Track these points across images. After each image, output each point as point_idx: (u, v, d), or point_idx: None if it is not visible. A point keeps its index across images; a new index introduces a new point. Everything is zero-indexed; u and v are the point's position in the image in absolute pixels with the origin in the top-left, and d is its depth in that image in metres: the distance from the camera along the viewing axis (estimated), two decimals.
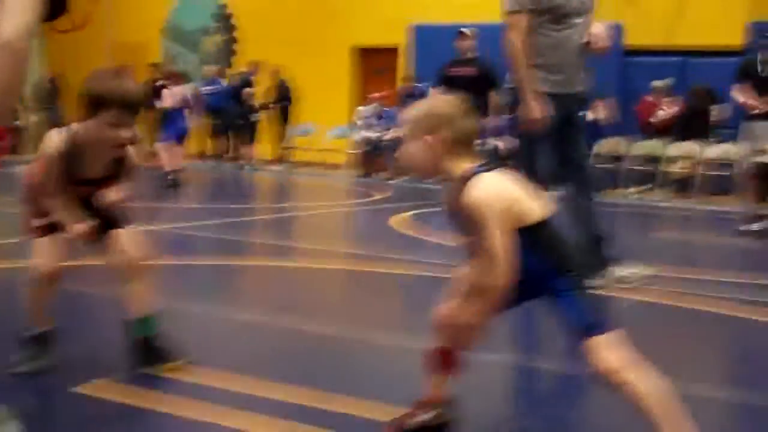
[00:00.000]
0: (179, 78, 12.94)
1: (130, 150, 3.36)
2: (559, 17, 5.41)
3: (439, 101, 2.66)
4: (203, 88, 17.21)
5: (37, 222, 3.30)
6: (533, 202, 2.57)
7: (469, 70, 11.41)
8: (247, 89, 17.84)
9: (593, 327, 2.48)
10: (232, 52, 21.08)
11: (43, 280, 3.23)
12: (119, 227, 3.39)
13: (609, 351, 2.46)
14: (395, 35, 18.09)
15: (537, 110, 5.33)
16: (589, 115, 14.67)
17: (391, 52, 18.57)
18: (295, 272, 6.15)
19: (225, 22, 21.19)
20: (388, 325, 4.59)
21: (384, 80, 18.28)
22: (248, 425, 2.80)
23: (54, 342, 3.34)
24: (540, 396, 3.51)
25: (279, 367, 3.56)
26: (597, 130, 14.69)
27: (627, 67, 15.49)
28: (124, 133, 3.16)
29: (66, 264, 3.31)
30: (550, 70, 5.44)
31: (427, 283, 5.51)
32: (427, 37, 17.67)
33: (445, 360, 2.73)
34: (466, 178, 2.51)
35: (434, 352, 2.73)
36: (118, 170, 3.35)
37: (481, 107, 10.88)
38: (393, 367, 3.73)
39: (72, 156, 3.23)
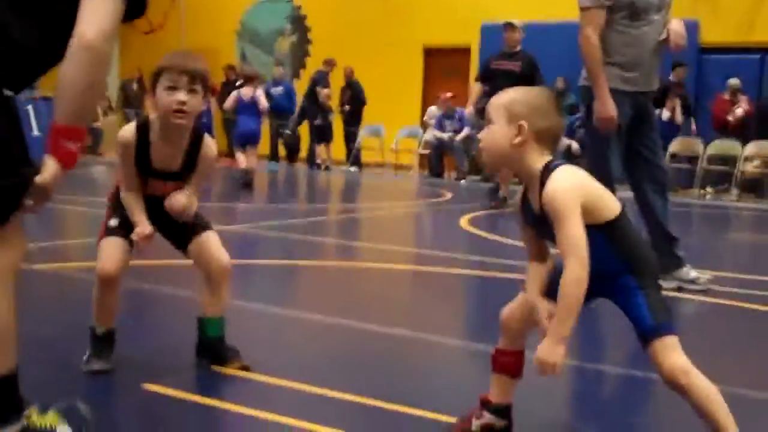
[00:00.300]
0: (252, 79, 13.07)
1: (207, 140, 3.36)
2: (636, 13, 5.33)
3: (534, 91, 2.59)
4: (272, 89, 17.40)
5: (109, 222, 3.33)
6: (610, 199, 2.55)
7: (512, 65, 10.89)
8: (325, 90, 17.96)
9: (660, 329, 2.45)
10: (306, 53, 21.27)
11: (103, 281, 3.26)
12: (203, 231, 3.39)
13: (675, 353, 2.43)
14: (466, 35, 18.07)
15: (610, 108, 5.29)
16: (664, 114, 14.51)
17: (461, 51, 18.55)
18: (363, 272, 6.19)
19: (299, 23, 21.39)
20: (455, 326, 4.60)
21: (454, 80, 18.26)
22: (313, 425, 2.84)
23: (116, 340, 3.38)
24: (605, 400, 3.49)
25: (344, 368, 3.59)
26: (672, 129, 14.49)
27: (702, 64, 15.24)
28: (181, 96, 3.13)
29: (127, 266, 3.33)
30: (625, 68, 5.38)
31: (496, 284, 5.51)
32: (497, 36, 17.60)
33: (509, 362, 2.73)
34: (545, 173, 2.47)
35: (497, 353, 2.74)
36: (194, 162, 3.32)
37: None
38: (458, 369, 3.74)
39: (145, 145, 3.25)
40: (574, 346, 3.95)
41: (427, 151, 17.30)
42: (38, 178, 2.24)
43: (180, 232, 3.39)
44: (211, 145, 3.37)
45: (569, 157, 15.66)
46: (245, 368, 3.39)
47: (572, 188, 2.43)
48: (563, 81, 16.77)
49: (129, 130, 3.27)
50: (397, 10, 19.13)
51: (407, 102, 18.77)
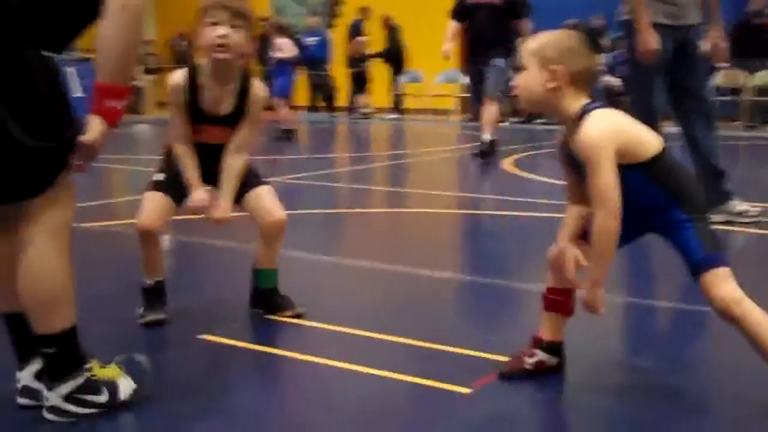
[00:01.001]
0: (284, 30, 13.02)
1: (256, 81, 3.37)
2: None
3: (564, 34, 2.59)
4: (305, 39, 17.34)
5: (155, 176, 3.36)
6: (649, 136, 2.54)
7: None
8: (359, 38, 17.87)
9: (711, 260, 2.45)
10: (339, 3, 21.10)
11: (142, 235, 3.29)
12: (258, 185, 3.40)
13: (726, 284, 2.43)
14: None
15: (652, 41, 5.21)
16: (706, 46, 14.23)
17: None
18: (409, 218, 6.21)
19: None
20: (504, 267, 4.61)
21: None
22: (365, 368, 2.87)
23: (167, 293, 3.43)
24: (657, 334, 3.49)
25: (394, 312, 3.62)
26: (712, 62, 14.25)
27: None
28: (222, 30, 3.14)
29: (168, 221, 3.37)
30: (666, 1, 5.30)
31: (541, 224, 5.50)
32: None
33: (559, 300, 2.74)
34: (580, 116, 2.48)
35: (548, 292, 2.75)
36: (243, 104, 3.31)
37: (507, 40, 9.16)
38: (509, 309, 3.75)
39: (194, 89, 3.26)
40: (624, 281, 3.96)
41: (466, 95, 17.16)
42: (84, 138, 2.27)
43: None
44: (260, 86, 3.38)
45: (610, 95, 15.47)
46: (299, 316, 3.44)
47: (604, 134, 2.43)
48: (601, 18, 16.50)
49: (179, 74, 3.29)
50: None
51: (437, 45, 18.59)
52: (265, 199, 3.39)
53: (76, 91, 14.03)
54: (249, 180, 3.39)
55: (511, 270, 4.54)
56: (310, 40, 17.47)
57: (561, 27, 15.24)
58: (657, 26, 5.24)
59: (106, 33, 2.23)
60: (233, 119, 3.31)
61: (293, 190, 7.38)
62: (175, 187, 3.32)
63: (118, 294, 3.80)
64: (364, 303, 3.78)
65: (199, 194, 3.28)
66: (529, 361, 2.77)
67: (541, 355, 2.76)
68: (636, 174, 2.47)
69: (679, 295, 3.88)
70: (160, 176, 3.35)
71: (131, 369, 2.56)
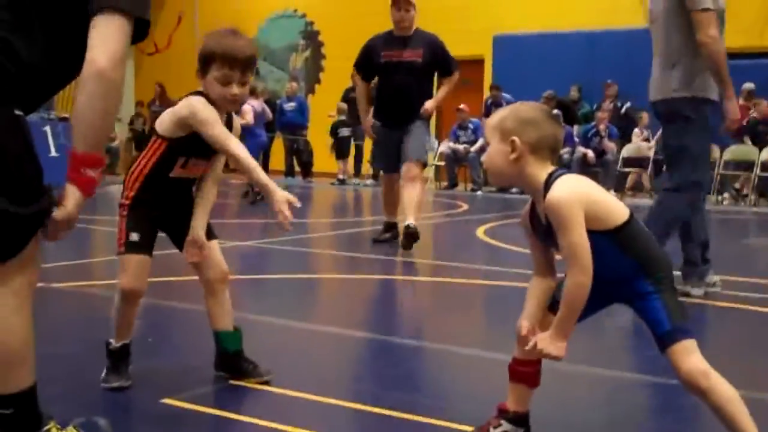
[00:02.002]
0: (256, 94, 13.17)
1: (235, 117, 3.38)
2: (722, 23, 5.30)
3: (524, 106, 2.64)
4: (285, 105, 17.48)
5: (130, 236, 3.28)
6: (616, 204, 2.57)
7: (411, 53, 7.92)
8: (338, 105, 18.05)
9: (678, 332, 2.46)
10: (321, 68, 21.34)
11: (128, 297, 3.27)
12: (209, 239, 3.40)
13: (693, 356, 2.44)
14: (479, 46, 18.10)
15: (737, 110, 5.29)
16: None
17: (475, 63, 18.56)
18: (378, 284, 6.21)
19: (312, 38, 21.47)
20: (473, 336, 4.60)
21: (468, 92, 18.28)
22: None
23: (132, 356, 3.38)
24: (624, 407, 3.48)
25: (361, 379, 3.60)
26: None
27: None
28: (235, 90, 3.14)
29: (148, 282, 3.34)
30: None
31: (512, 293, 5.51)
32: (510, 47, 17.65)
33: (525, 371, 2.73)
34: (548, 183, 2.51)
35: (514, 362, 2.75)
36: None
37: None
38: (477, 379, 3.74)
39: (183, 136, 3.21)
40: (591, 352, 3.95)
41: (442, 163, 17.30)
42: (61, 209, 2.25)
43: (186, 233, 3.38)
44: (238, 121, 3.42)
45: (585, 166, 15.63)
46: (265, 382, 3.41)
47: (573, 196, 2.46)
48: (576, 89, 16.78)
49: (172, 117, 3.22)
50: None
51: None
52: (214, 252, 3.41)
53: (51, 151, 14.03)
54: (207, 230, 3.40)
55: (481, 339, 4.53)
56: (289, 106, 17.63)
57: (539, 98, 15.38)
58: (712, 102, 5.33)
59: (82, 101, 2.20)
60: (214, 152, 3.29)
61: (263, 253, 7.36)
62: (149, 245, 3.30)
63: (84, 354, 3.76)
64: (330, 369, 3.76)
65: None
66: (495, 431, 2.75)
67: (506, 426, 2.75)
68: (603, 240, 2.48)
69: (646, 367, 3.88)
70: (135, 236, 3.27)
71: None
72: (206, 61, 3.16)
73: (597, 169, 15.83)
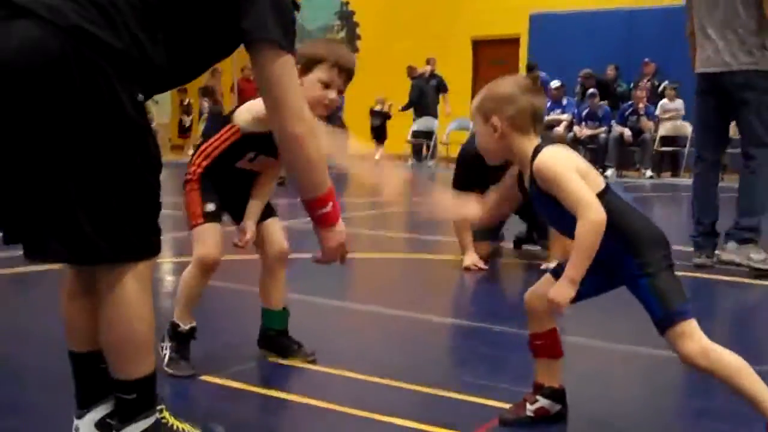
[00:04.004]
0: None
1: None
2: None
3: (500, 82, 2.65)
4: None
5: (205, 207, 3.27)
6: (594, 175, 2.54)
7: None
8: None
9: (671, 316, 2.44)
10: (356, 49, 21.33)
11: (205, 268, 3.26)
12: (269, 215, 3.45)
13: (690, 339, 2.43)
14: (515, 25, 18.00)
15: None
16: None
17: (510, 42, 18.48)
18: (414, 263, 6.22)
19: (347, 19, 21.46)
20: (508, 314, 4.60)
21: (504, 71, 18.17)
22: (371, 414, 2.87)
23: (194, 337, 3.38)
24: (662, 383, 3.47)
25: (398, 357, 3.62)
26: None
27: None
28: (333, 95, 3.16)
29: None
30: None
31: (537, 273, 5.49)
32: (546, 26, 17.53)
33: (544, 344, 2.75)
34: (534, 155, 2.53)
35: (532, 338, 2.76)
36: None
37: None
38: (516, 356, 3.75)
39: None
40: (626, 330, 3.95)
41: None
42: (327, 252, 2.55)
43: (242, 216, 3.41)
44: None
45: (622, 145, 15.52)
46: (310, 361, 3.43)
47: (561, 157, 2.49)
48: (613, 68, 16.64)
49: (252, 112, 3.20)
50: (444, 3, 19.11)
51: (456, 94, 18.71)
52: (274, 228, 3.45)
53: None
54: (266, 209, 3.45)
55: (518, 317, 4.53)
56: None
57: (576, 77, 15.20)
58: None
59: (288, 159, 2.36)
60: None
61: (301, 233, 7.39)
62: (221, 217, 3.33)
63: None
64: (367, 347, 3.78)
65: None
66: (530, 408, 2.76)
67: (542, 402, 2.76)
68: None
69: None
70: (211, 206, 3.28)
71: None
72: (313, 62, 3.14)
73: (634, 148, 15.71)
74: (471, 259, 5.78)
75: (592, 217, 2.40)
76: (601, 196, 2.47)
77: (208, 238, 3.24)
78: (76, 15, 1.98)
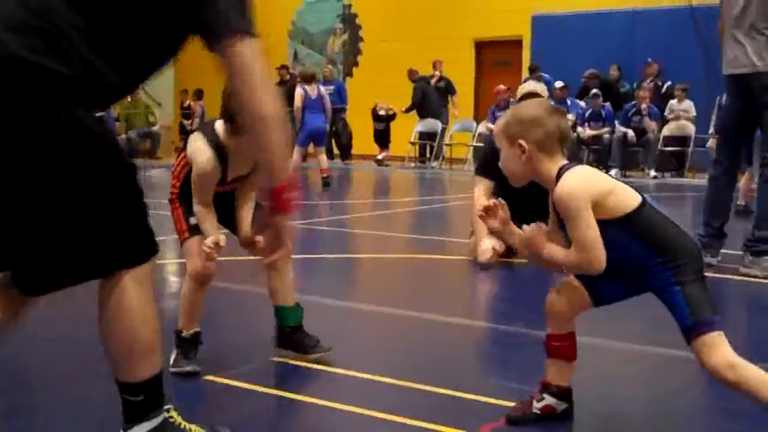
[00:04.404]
0: (312, 78, 13.00)
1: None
2: None
3: (525, 106, 2.69)
4: (321, 88, 17.55)
5: (190, 221, 3.30)
6: (626, 191, 2.56)
7: None
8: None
9: (699, 326, 2.44)
10: (358, 51, 21.32)
11: (199, 281, 3.28)
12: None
13: (717, 351, 2.43)
14: (517, 26, 17.98)
15: None
16: (726, 99, 14.34)
17: (513, 43, 18.46)
18: (422, 264, 6.21)
19: (350, 22, 21.44)
20: (516, 314, 4.60)
21: (507, 72, 18.19)
22: (376, 411, 2.87)
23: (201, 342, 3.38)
24: (667, 382, 3.46)
25: (406, 357, 3.62)
26: None
27: None
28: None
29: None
30: None
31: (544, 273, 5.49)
32: (547, 27, 17.52)
33: (560, 345, 2.74)
34: (558, 177, 2.53)
35: (549, 339, 2.75)
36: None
37: None
38: (520, 355, 3.74)
39: (225, 165, 3.23)
40: (632, 330, 3.93)
41: (480, 144, 17.23)
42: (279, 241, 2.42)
43: (231, 216, 3.41)
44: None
45: (625, 146, 15.49)
46: (320, 359, 3.41)
47: (580, 188, 2.48)
48: (616, 69, 16.60)
49: (209, 160, 3.20)
50: (447, 4, 19.09)
51: (459, 96, 18.68)
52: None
53: None
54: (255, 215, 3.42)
55: (525, 316, 4.52)
56: (327, 89, 17.65)
57: (579, 78, 15.12)
58: None
59: (256, 141, 2.32)
60: (249, 174, 3.34)
61: (307, 235, 7.40)
62: None
63: None
64: (372, 347, 3.78)
65: (217, 237, 3.24)
66: (537, 405, 2.76)
67: (549, 400, 2.75)
68: (614, 229, 2.49)
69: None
70: (194, 220, 3.30)
71: None
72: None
73: (637, 149, 15.67)
74: (490, 242, 5.67)
75: (585, 265, 2.46)
76: (638, 211, 2.50)
77: (195, 252, 3.26)
78: (18, 45, 1.97)
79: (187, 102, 20.20)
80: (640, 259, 2.51)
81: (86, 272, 2.12)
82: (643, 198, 2.55)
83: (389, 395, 3.08)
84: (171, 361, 3.29)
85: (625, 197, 2.53)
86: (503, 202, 2.65)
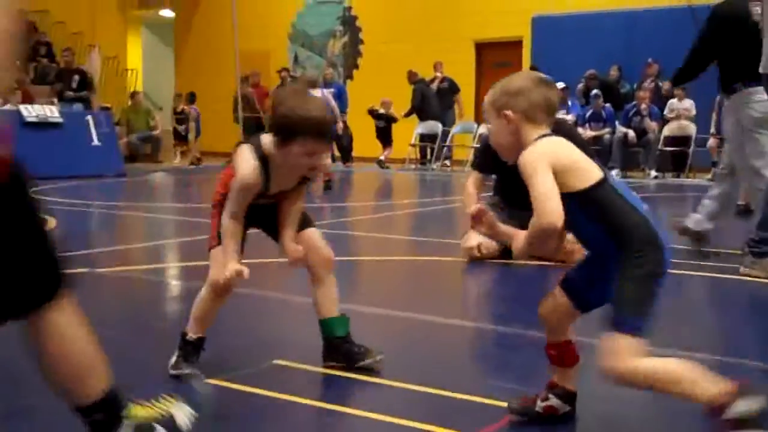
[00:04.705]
0: (315, 84, 13.11)
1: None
2: None
3: (511, 77, 2.66)
4: (323, 91, 17.58)
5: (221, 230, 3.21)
6: (587, 166, 2.48)
7: None
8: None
9: (621, 325, 2.34)
10: (359, 54, 21.35)
11: (218, 291, 3.23)
12: (307, 226, 3.39)
13: (617, 356, 2.34)
14: (518, 28, 18.00)
15: None
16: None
17: (513, 44, 18.48)
18: (422, 266, 6.22)
19: (350, 24, 21.47)
20: (518, 315, 4.60)
21: (507, 73, 18.15)
22: (376, 413, 2.87)
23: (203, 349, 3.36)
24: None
25: (406, 358, 3.62)
26: None
27: None
28: (318, 160, 3.07)
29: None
30: None
31: (558, 272, 5.49)
32: (547, 28, 17.53)
33: (559, 354, 2.73)
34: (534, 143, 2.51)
35: (547, 347, 2.74)
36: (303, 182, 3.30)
37: None
38: (522, 358, 3.74)
39: (267, 179, 3.14)
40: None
41: (479, 145, 17.25)
42: None
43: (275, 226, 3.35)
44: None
45: (626, 146, 15.51)
46: (377, 363, 3.36)
47: (540, 152, 2.46)
48: (616, 69, 16.63)
49: (254, 170, 3.10)
50: (446, 6, 19.12)
51: (461, 97, 18.71)
52: (315, 237, 3.40)
53: (94, 140, 14.20)
54: (301, 221, 3.38)
55: (524, 318, 4.52)
56: (327, 92, 17.67)
57: (579, 78, 15.16)
58: None
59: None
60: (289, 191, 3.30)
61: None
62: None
63: (127, 336, 3.83)
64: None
65: (234, 265, 3.10)
66: (540, 404, 2.75)
67: (553, 401, 2.74)
68: (572, 203, 2.42)
69: (691, 343, 3.85)
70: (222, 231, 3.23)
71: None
72: (290, 134, 3.02)
73: (638, 149, 15.68)
74: (477, 239, 5.78)
75: (542, 220, 2.40)
76: (595, 188, 2.44)
77: (221, 262, 3.17)
78: None
79: (181, 107, 20.01)
80: (599, 243, 2.47)
81: (5, 317, 2.14)
82: (606, 178, 2.48)
83: (388, 396, 3.09)
84: (171, 363, 3.29)
85: (586, 171, 2.47)
86: (485, 207, 2.65)
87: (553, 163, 2.43)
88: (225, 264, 3.09)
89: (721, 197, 6.37)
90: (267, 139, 3.14)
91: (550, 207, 2.39)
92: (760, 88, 5.52)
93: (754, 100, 5.76)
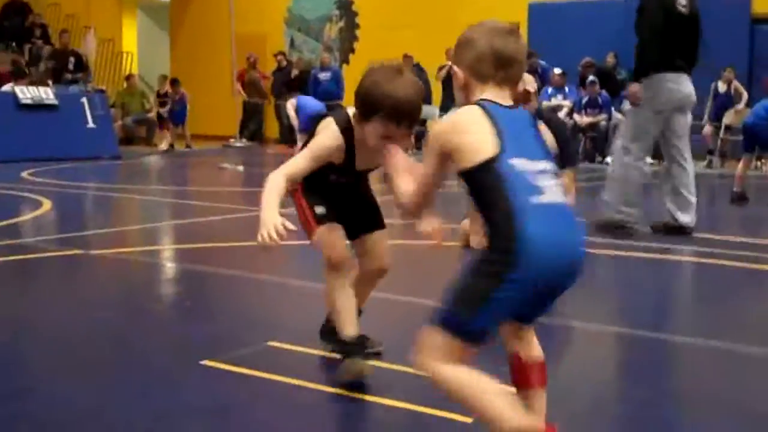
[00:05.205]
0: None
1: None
2: None
3: (468, 29, 2.32)
4: (319, 74, 17.54)
5: (316, 211, 3.14)
6: (481, 145, 2.11)
7: None
8: None
9: (438, 317, 2.14)
10: (355, 38, 21.29)
11: (338, 267, 3.12)
12: (380, 228, 3.32)
13: (428, 354, 2.15)
14: (514, 14, 17.96)
15: None
16: (721, 87, 14.37)
17: None
18: (420, 250, 6.23)
19: (347, 9, 21.41)
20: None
21: None
22: (370, 396, 2.88)
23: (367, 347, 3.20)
24: (652, 365, 3.47)
25: (403, 341, 3.63)
26: (728, 101, 14.41)
27: (755, 35, 15.04)
28: (400, 142, 2.81)
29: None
30: None
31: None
32: (543, 14, 17.52)
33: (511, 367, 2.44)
34: None
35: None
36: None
37: None
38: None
39: (350, 149, 3.03)
40: (621, 313, 3.94)
41: None
42: None
43: (359, 222, 3.28)
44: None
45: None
46: (377, 354, 3.32)
47: (440, 130, 2.21)
48: (613, 56, 16.61)
49: (336, 137, 2.99)
50: None
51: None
52: (384, 244, 3.32)
53: (89, 122, 14.17)
54: (376, 221, 3.31)
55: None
56: (323, 76, 17.65)
57: (576, 65, 15.05)
58: None
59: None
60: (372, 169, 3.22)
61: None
62: (335, 217, 3.18)
63: (122, 318, 3.82)
64: (373, 333, 3.76)
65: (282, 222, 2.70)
66: None
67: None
68: (465, 183, 2.18)
69: (674, 326, 3.87)
70: (320, 209, 3.16)
71: None
72: (371, 109, 2.85)
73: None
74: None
75: (395, 198, 2.35)
76: (478, 169, 2.10)
77: (331, 240, 3.10)
78: None
79: (165, 89, 19.37)
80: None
81: None
82: (495, 159, 2.09)
83: (386, 379, 3.09)
84: (341, 372, 3.04)
85: (474, 151, 2.11)
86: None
87: (444, 144, 2.17)
88: (262, 220, 2.66)
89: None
90: (352, 111, 3.01)
91: (404, 188, 2.34)
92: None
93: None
